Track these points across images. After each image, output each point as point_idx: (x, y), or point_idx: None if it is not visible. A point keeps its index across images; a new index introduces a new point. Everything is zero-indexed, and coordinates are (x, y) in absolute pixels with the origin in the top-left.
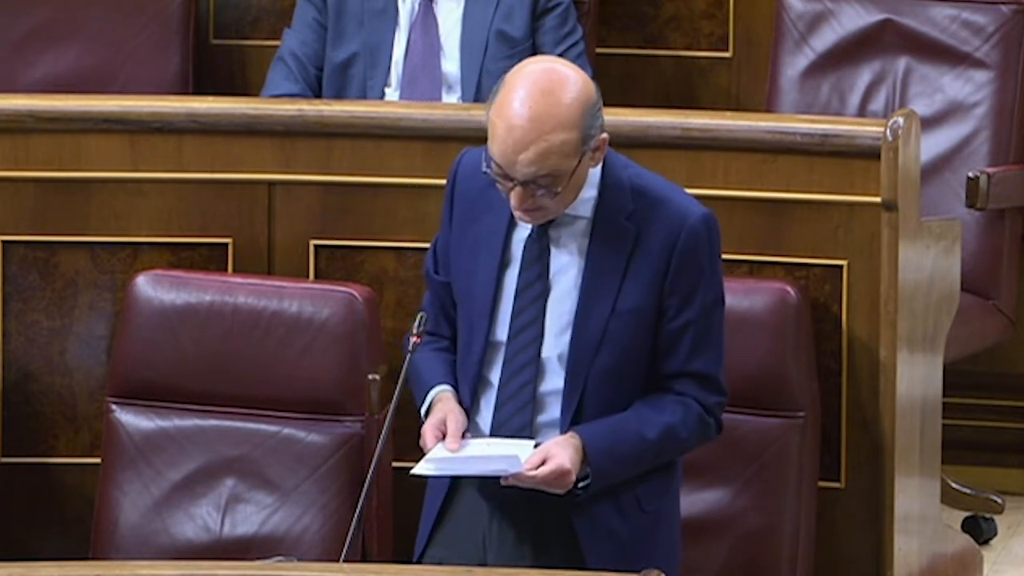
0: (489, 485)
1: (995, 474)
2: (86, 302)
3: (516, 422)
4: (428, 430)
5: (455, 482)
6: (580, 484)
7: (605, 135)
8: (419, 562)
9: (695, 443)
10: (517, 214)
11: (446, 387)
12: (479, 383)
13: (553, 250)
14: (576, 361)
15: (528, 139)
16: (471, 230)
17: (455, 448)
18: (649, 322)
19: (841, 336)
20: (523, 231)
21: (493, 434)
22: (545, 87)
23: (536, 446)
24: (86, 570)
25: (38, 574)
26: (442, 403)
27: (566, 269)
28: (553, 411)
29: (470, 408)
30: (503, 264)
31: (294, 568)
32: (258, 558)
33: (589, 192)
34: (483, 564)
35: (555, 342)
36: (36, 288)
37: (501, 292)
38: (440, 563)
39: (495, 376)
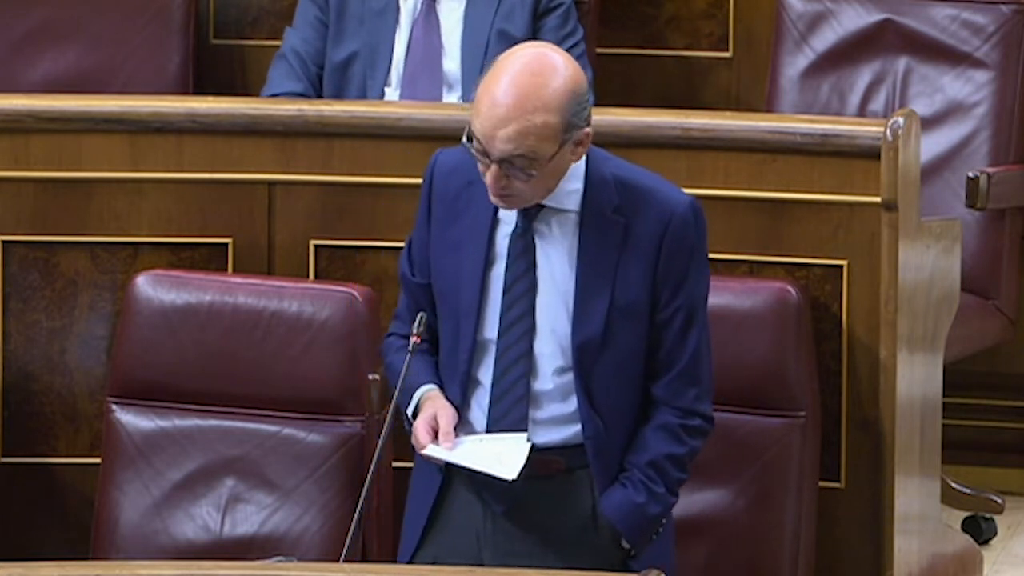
0: (481, 482)
1: (995, 474)
2: (86, 302)
3: (512, 417)
4: (420, 426)
5: (446, 482)
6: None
7: (589, 130)
8: (411, 563)
9: (693, 450)
10: (493, 198)
11: (432, 387)
12: (468, 383)
13: (539, 244)
14: (582, 359)
15: (510, 116)
16: (451, 230)
17: (449, 447)
18: (644, 315)
19: (841, 336)
20: (507, 227)
21: (490, 429)
22: (535, 69)
23: (528, 439)
24: (86, 570)
25: (38, 574)
26: (431, 401)
27: (554, 263)
28: (544, 409)
29: (460, 408)
30: (488, 262)
31: (294, 568)
32: (258, 558)
33: (574, 185)
34: (480, 562)
35: (549, 337)
36: (36, 288)
37: (487, 290)
38: (434, 562)
39: (485, 375)
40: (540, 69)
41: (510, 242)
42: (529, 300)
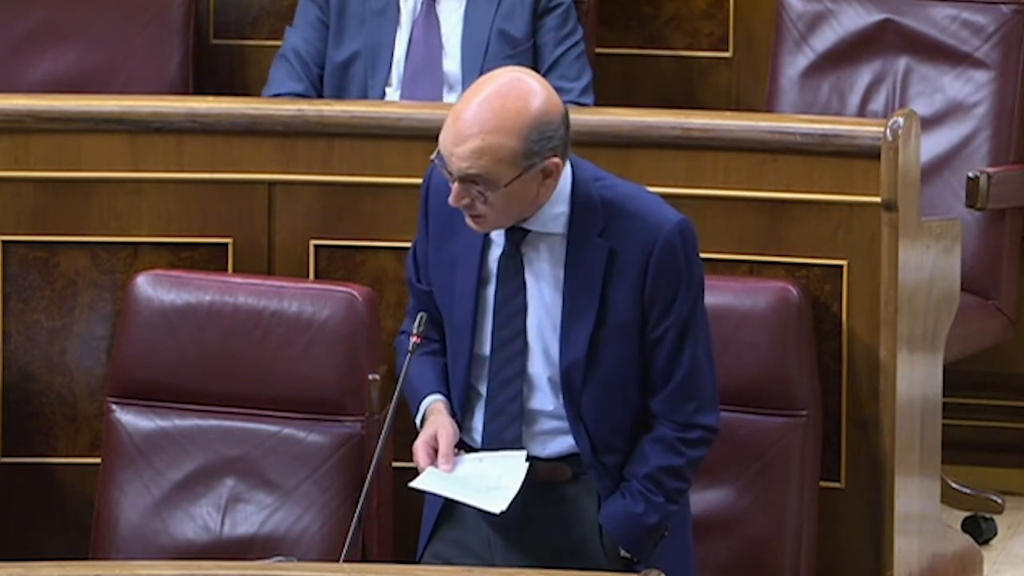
0: None
1: (995, 474)
2: (86, 302)
3: (508, 435)
4: (420, 447)
5: None
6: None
7: (557, 160)
8: (422, 556)
9: (693, 460)
10: (467, 218)
11: (438, 396)
12: (470, 393)
13: (527, 267)
14: (569, 381)
15: (468, 133)
16: (447, 246)
17: (448, 469)
18: (634, 334)
19: (841, 336)
20: (497, 249)
21: (486, 447)
22: (506, 92)
23: (528, 458)
24: (86, 570)
25: (38, 574)
26: (434, 416)
27: (542, 286)
28: (543, 424)
29: (463, 416)
30: (481, 281)
31: (294, 568)
32: (258, 558)
33: (560, 208)
34: (490, 563)
35: (541, 358)
36: (36, 288)
37: (481, 309)
38: (444, 558)
39: (483, 388)
40: (511, 92)
41: (499, 264)
42: (521, 321)
